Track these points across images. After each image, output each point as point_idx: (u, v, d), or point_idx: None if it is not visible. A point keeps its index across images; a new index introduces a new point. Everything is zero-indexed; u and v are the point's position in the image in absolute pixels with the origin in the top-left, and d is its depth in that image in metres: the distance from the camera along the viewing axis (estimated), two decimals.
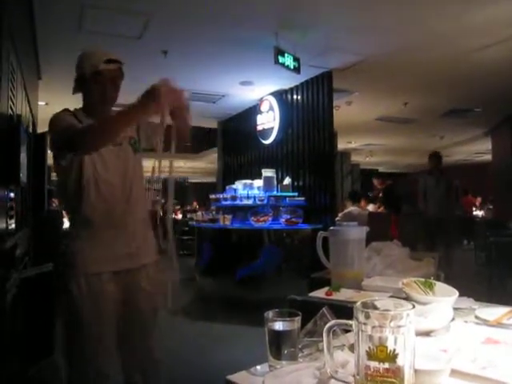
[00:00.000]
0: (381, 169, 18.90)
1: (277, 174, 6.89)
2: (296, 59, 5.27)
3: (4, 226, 2.68)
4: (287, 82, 6.67)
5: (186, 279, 7.41)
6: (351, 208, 6.69)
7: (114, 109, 1.91)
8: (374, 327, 0.75)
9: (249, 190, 6.54)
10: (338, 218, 6.30)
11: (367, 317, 0.76)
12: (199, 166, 17.63)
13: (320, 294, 1.75)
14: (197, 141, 12.16)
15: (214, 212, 7.21)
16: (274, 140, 7.25)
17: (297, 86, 6.86)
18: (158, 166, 1.67)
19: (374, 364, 0.75)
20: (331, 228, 2.00)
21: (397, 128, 10.33)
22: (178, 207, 15.24)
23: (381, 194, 8.17)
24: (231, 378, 1.00)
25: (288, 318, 1.05)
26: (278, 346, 1.03)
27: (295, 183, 6.80)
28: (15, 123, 3.18)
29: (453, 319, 1.25)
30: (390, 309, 0.78)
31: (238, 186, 6.77)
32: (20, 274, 2.91)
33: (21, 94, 3.72)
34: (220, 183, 9.49)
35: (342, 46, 5.35)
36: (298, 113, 6.87)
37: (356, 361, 0.79)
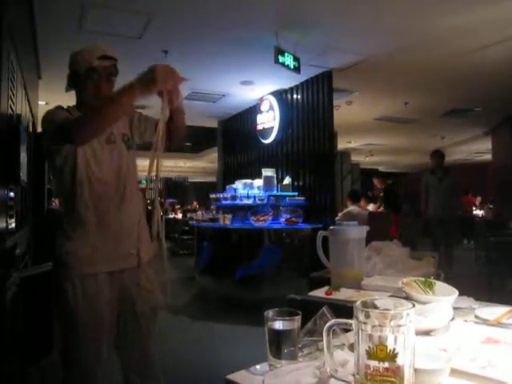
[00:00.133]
0: (381, 168, 18.91)
1: (277, 173, 6.89)
2: (296, 59, 5.27)
3: (4, 225, 2.68)
4: (287, 81, 6.67)
5: (185, 278, 7.42)
6: (351, 207, 6.69)
7: None
8: (373, 326, 0.75)
9: (249, 189, 6.54)
10: (337, 218, 6.30)
11: (367, 316, 0.76)
12: (199, 166, 17.66)
13: (320, 293, 1.75)
14: (197, 140, 12.17)
15: (214, 211, 7.22)
16: (274, 139, 7.25)
17: (297, 86, 6.86)
18: (150, 165, 1.61)
19: (373, 363, 0.75)
20: (331, 227, 2.00)
21: (397, 128, 10.33)
22: (178, 207, 15.25)
23: (381, 194, 8.18)
24: (231, 377, 1.00)
25: (288, 318, 1.05)
26: (278, 345, 1.03)
27: (295, 183, 6.81)
28: (15, 122, 3.18)
29: (453, 318, 1.25)
30: (389, 308, 0.78)
31: (238, 185, 6.78)
32: (20, 273, 2.91)
33: (21, 94, 3.72)
34: (220, 183, 9.49)
35: (342, 46, 5.35)
36: (298, 112, 6.86)
37: (356, 360, 0.79)
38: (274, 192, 6.39)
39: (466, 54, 5.59)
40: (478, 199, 14.43)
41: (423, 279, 1.50)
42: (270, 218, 5.92)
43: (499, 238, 6.25)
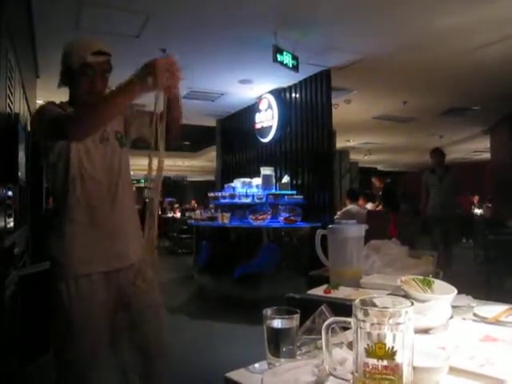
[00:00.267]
0: (379, 167, 18.92)
1: (275, 172, 6.89)
2: (295, 57, 5.27)
3: (2, 224, 2.68)
4: (286, 80, 6.67)
5: (184, 277, 7.43)
6: (350, 206, 6.70)
7: None
8: (372, 324, 0.75)
9: (247, 188, 6.54)
10: (336, 216, 6.31)
11: (366, 314, 0.76)
12: (198, 165, 17.65)
13: (318, 291, 1.75)
14: (195, 139, 12.17)
15: (212, 210, 7.22)
16: (273, 138, 7.25)
17: (295, 85, 6.86)
18: (149, 164, 1.57)
19: (372, 361, 0.75)
20: (330, 226, 2.00)
21: (395, 127, 10.34)
22: (177, 205, 15.24)
23: (380, 193, 8.19)
24: (230, 375, 1.00)
25: (286, 316, 1.05)
26: (277, 343, 1.03)
27: (294, 181, 6.81)
28: (13, 122, 3.18)
29: (451, 317, 1.26)
30: (388, 306, 0.78)
31: (237, 184, 6.77)
32: (18, 271, 2.91)
33: (19, 93, 3.72)
34: (219, 181, 9.49)
35: (341, 45, 5.35)
36: (297, 111, 6.86)
37: (354, 358, 0.79)
38: (273, 191, 6.39)
39: (464, 53, 5.59)
40: (476, 198, 14.45)
41: (422, 277, 1.50)
42: (269, 216, 5.93)
43: (498, 236, 6.26)
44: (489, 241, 6.44)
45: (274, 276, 5.61)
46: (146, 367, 1.85)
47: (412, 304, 0.79)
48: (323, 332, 0.88)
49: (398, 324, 0.74)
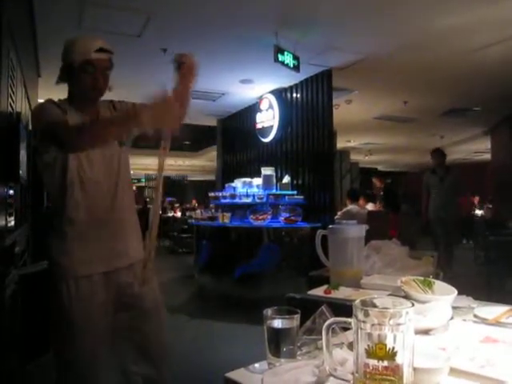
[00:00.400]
0: (380, 167, 18.92)
1: (276, 172, 6.89)
2: (296, 57, 5.27)
3: (3, 223, 2.68)
4: (287, 80, 6.67)
5: (184, 277, 7.43)
6: (350, 206, 6.70)
7: (102, 99, 1.85)
8: (373, 325, 0.75)
9: (248, 188, 6.54)
10: (337, 217, 6.30)
11: (366, 315, 0.76)
12: (198, 164, 17.65)
13: (319, 292, 1.75)
14: (196, 138, 12.17)
15: (213, 210, 7.22)
16: (274, 138, 7.25)
17: (296, 85, 6.85)
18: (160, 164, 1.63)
19: (372, 362, 0.75)
20: (330, 226, 2.00)
21: (396, 127, 10.33)
22: (177, 205, 15.24)
23: (381, 193, 8.18)
24: (230, 375, 1.00)
25: (287, 316, 1.05)
26: (277, 343, 1.03)
27: (294, 181, 6.81)
28: (15, 120, 3.18)
29: (452, 318, 1.26)
30: (389, 307, 0.78)
31: (238, 184, 6.77)
32: (19, 270, 2.91)
33: (20, 92, 3.72)
34: (219, 181, 9.49)
35: (342, 45, 5.35)
36: (298, 111, 6.86)
37: (355, 359, 0.79)
38: (274, 191, 6.39)
39: (465, 53, 5.59)
40: (476, 199, 14.44)
41: (422, 278, 1.50)
42: (269, 216, 5.92)
43: (498, 237, 6.26)
44: (489, 242, 6.43)
45: (275, 276, 5.61)
46: (147, 367, 1.84)
47: (412, 305, 0.79)
48: (324, 332, 0.88)
49: (399, 325, 0.74)
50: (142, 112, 1.52)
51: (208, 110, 8.58)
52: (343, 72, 6.18)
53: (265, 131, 7.42)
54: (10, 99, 2.96)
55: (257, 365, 1.05)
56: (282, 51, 5.08)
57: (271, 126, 7.23)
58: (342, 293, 1.71)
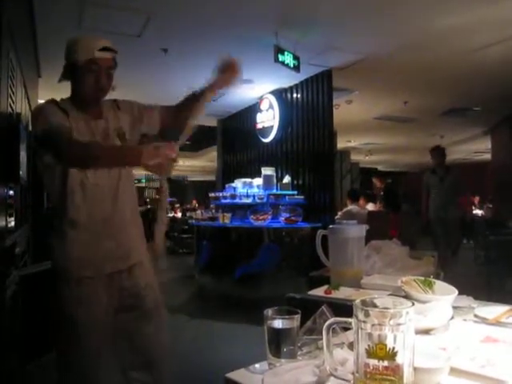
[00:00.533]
0: (380, 167, 18.91)
1: (276, 172, 6.88)
2: (296, 58, 5.27)
3: (4, 223, 2.68)
4: (287, 80, 6.67)
5: (185, 277, 7.43)
6: (351, 206, 6.69)
7: (106, 98, 1.84)
8: (373, 325, 0.75)
9: (248, 188, 6.54)
10: (337, 217, 6.30)
11: (367, 315, 0.76)
12: (198, 165, 17.64)
13: (319, 292, 1.75)
14: (196, 139, 12.16)
15: (213, 210, 7.22)
16: (274, 138, 7.25)
17: (296, 85, 6.86)
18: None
19: (373, 362, 0.75)
20: (331, 226, 2.00)
21: (396, 127, 10.33)
22: (178, 205, 15.25)
23: (382, 193, 8.17)
24: (230, 375, 1.00)
25: (287, 316, 1.05)
26: (278, 343, 1.03)
27: (295, 182, 6.80)
28: (15, 121, 3.18)
29: (452, 318, 1.26)
30: (389, 307, 0.78)
31: (238, 184, 6.77)
32: (19, 271, 2.91)
33: (20, 92, 3.72)
34: (219, 181, 9.49)
35: (342, 45, 5.35)
36: (298, 111, 6.86)
37: (355, 359, 0.79)
38: (274, 191, 6.39)
39: (465, 53, 5.59)
40: (477, 199, 14.42)
41: (423, 278, 1.50)
42: (270, 216, 5.92)
43: (498, 237, 6.26)
44: (489, 241, 6.44)
45: (275, 276, 5.61)
46: (147, 368, 1.84)
47: (413, 304, 0.79)
48: (324, 332, 0.88)
49: (399, 325, 0.74)
50: (144, 155, 1.53)
51: (208, 110, 8.55)
52: (343, 72, 6.18)
53: (265, 131, 7.42)
54: (9, 100, 2.96)
55: (257, 365, 1.05)
56: (282, 51, 5.08)
57: (271, 126, 7.23)
58: (343, 293, 1.71)
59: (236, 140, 8.95)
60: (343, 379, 0.87)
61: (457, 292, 1.39)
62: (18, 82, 3.44)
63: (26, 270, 3.09)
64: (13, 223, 3.02)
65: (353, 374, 0.81)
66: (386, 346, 0.74)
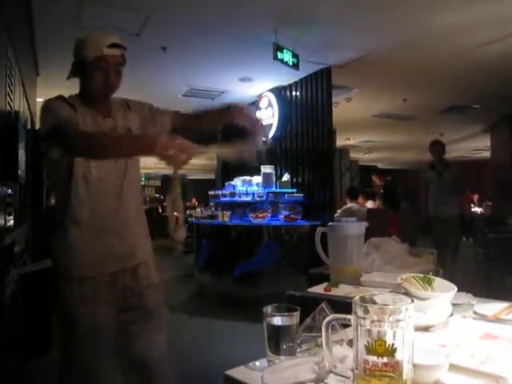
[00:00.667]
0: (379, 165, 18.90)
1: (276, 170, 6.88)
2: (295, 55, 5.26)
3: (2, 222, 2.68)
4: (286, 78, 6.66)
5: (184, 276, 7.43)
6: (350, 204, 6.69)
7: (114, 96, 1.83)
8: (372, 322, 0.75)
9: (248, 186, 6.54)
10: (336, 215, 6.30)
11: (366, 311, 0.76)
12: (198, 163, 17.59)
13: (319, 289, 1.75)
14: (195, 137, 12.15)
15: (212, 208, 7.22)
16: (273, 136, 7.24)
17: (296, 83, 6.85)
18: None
19: (372, 358, 0.75)
20: (330, 224, 2.00)
21: (396, 125, 10.33)
22: None
23: (382, 191, 8.17)
24: (230, 373, 1.00)
25: (286, 313, 1.05)
26: (277, 341, 1.03)
27: (294, 180, 6.80)
28: (13, 119, 3.18)
29: (451, 314, 1.26)
30: (388, 303, 0.78)
31: (237, 182, 6.77)
32: (19, 270, 2.91)
33: (19, 91, 3.72)
34: (219, 180, 9.48)
35: (341, 43, 5.34)
36: (297, 109, 6.86)
37: (355, 355, 0.79)
38: (273, 189, 6.38)
39: (465, 51, 5.58)
40: (476, 196, 14.42)
41: (422, 275, 1.50)
42: (269, 214, 5.93)
43: (498, 234, 6.26)
44: (489, 239, 6.44)
45: (275, 274, 5.61)
46: (148, 367, 1.83)
47: (412, 301, 0.78)
48: (323, 329, 0.88)
49: (398, 321, 0.74)
50: (158, 145, 1.50)
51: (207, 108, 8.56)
52: (343, 70, 6.18)
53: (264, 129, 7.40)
54: (8, 98, 2.96)
55: (257, 362, 1.05)
56: (281, 49, 5.07)
57: (271, 125, 7.22)
58: (342, 290, 1.71)
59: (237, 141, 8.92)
60: (342, 376, 0.87)
61: (456, 289, 1.39)
62: (16, 80, 3.43)
63: (25, 269, 3.09)
64: (12, 222, 3.02)
65: (352, 370, 0.81)
66: (385, 342, 0.74)
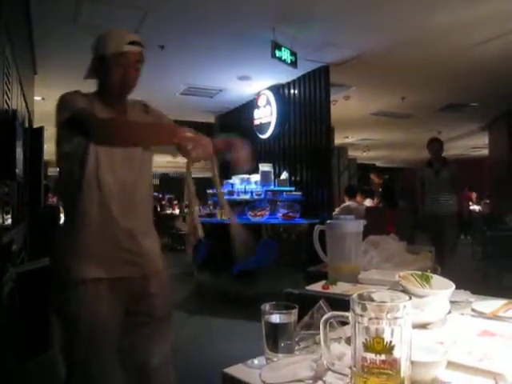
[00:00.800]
0: (377, 163, 18.93)
1: (274, 168, 6.89)
2: (293, 53, 5.26)
3: (0, 221, 2.68)
4: (284, 76, 6.66)
5: (183, 274, 7.43)
6: (348, 202, 6.70)
7: (130, 97, 1.82)
8: (370, 319, 0.75)
9: (246, 184, 6.54)
10: (335, 213, 6.31)
11: (364, 309, 0.76)
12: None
13: (317, 287, 1.75)
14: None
15: (211, 207, 7.21)
16: (271, 134, 7.24)
17: (294, 81, 6.84)
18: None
19: (370, 356, 0.75)
20: (328, 221, 2.00)
21: (394, 123, 10.33)
22: (176, 202, 15.24)
23: (380, 189, 8.18)
24: (228, 370, 1.00)
25: (285, 311, 1.05)
26: (275, 338, 1.03)
27: (292, 178, 6.81)
28: (11, 118, 3.17)
29: (449, 312, 1.26)
30: (386, 301, 0.78)
31: (235, 180, 6.77)
32: (16, 268, 2.91)
33: (16, 89, 3.71)
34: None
35: (340, 41, 5.34)
36: (295, 107, 6.85)
37: (353, 353, 0.79)
38: (271, 187, 6.39)
39: (463, 49, 5.58)
40: (474, 194, 14.45)
41: (420, 273, 1.50)
42: (268, 213, 5.93)
43: (496, 232, 6.28)
44: (487, 237, 6.46)
45: (273, 272, 5.61)
46: (150, 375, 1.81)
47: (410, 298, 0.78)
48: (321, 327, 0.88)
49: (396, 318, 0.74)
50: (178, 132, 1.52)
51: (205, 106, 8.56)
52: (341, 68, 6.17)
53: (262, 127, 7.41)
54: (5, 96, 2.95)
55: (255, 360, 1.05)
56: (279, 47, 5.07)
57: (269, 123, 7.22)
58: (340, 288, 1.71)
59: (233, 136, 8.92)
60: (341, 373, 0.87)
61: (454, 286, 1.39)
62: (13, 78, 3.42)
63: (23, 268, 3.09)
64: (10, 220, 3.02)
65: (350, 368, 0.81)
66: (383, 339, 0.74)
